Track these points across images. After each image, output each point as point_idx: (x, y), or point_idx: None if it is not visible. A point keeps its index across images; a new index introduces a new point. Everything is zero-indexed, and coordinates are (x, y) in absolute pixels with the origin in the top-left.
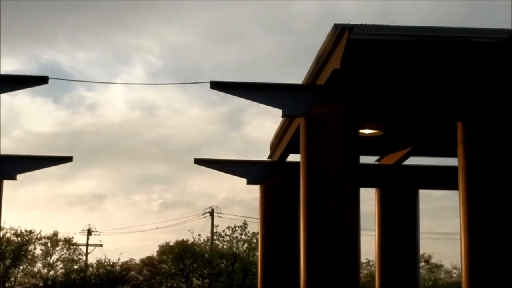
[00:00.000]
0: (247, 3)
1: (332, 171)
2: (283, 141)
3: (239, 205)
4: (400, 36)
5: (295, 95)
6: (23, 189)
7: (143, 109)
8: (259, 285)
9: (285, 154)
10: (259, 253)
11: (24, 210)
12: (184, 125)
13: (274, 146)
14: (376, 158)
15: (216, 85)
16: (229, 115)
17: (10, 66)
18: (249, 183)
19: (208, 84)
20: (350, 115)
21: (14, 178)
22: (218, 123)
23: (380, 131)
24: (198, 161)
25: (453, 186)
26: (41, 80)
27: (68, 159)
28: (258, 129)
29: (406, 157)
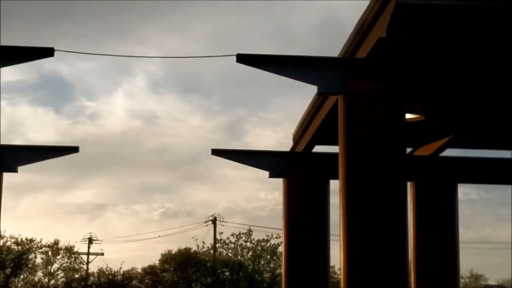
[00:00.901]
0: (248, 13)
1: (376, 159)
2: (310, 129)
3: (239, 214)
4: (459, 0)
5: (332, 70)
6: (24, 198)
7: (144, 118)
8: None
9: (312, 144)
10: (282, 253)
11: (25, 219)
12: (184, 134)
13: (298, 136)
14: (409, 150)
15: (243, 59)
16: (229, 124)
17: (11, 76)
18: (271, 176)
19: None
20: (396, 93)
21: (15, 171)
22: (218, 132)
23: (421, 116)
24: (216, 152)
25: (501, 180)
26: (46, 51)
27: (74, 149)
28: (259, 138)
29: (443, 148)
